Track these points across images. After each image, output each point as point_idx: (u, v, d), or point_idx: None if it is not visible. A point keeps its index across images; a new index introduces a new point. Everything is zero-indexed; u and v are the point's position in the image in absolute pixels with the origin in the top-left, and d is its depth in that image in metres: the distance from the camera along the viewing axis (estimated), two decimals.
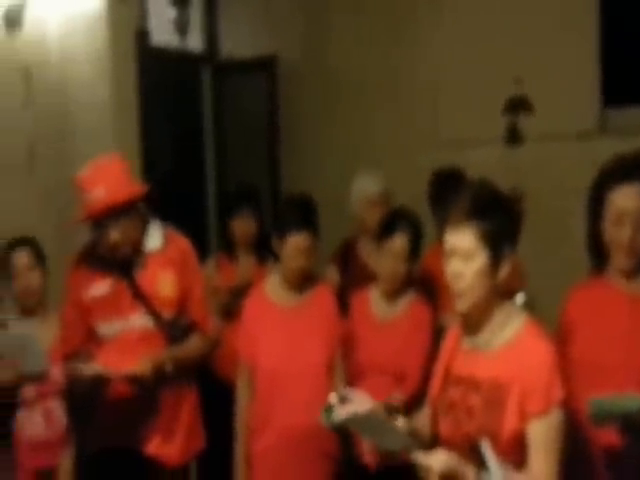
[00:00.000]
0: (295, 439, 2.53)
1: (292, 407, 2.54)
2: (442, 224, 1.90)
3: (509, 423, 1.73)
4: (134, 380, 2.37)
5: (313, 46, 4.68)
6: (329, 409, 1.83)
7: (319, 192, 3.56)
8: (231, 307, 3.23)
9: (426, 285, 3.00)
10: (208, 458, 2.81)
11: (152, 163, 3.98)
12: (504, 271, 1.79)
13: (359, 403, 1.83)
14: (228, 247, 3.59)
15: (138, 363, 2.35)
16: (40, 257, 2.91)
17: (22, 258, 2.86)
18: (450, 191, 2.01)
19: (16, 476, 2.77)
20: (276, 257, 2.66)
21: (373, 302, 2.82)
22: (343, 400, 1.82)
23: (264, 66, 4.71)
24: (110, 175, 2.45)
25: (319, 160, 4.60)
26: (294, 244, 2.55)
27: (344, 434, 2.46)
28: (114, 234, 2.42)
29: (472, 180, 2.58)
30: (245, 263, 3.53)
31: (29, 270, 2.85)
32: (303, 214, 2.59)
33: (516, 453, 1.73)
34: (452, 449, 1.74)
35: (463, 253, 1.78)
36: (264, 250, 3.33)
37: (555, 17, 3.87)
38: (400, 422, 1.86)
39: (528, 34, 3.91)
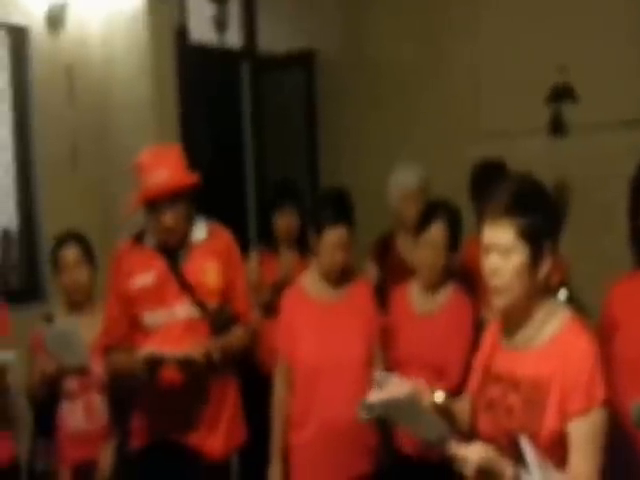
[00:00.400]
0: (334, 433, 2.53)
1: (331, 401, 2.53)
2: (482, 217, 1.86)
3: (549, 423, 1.68)
4: (186, 364, 2.37)
5: (351, 40, 4.65)
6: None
7: (359, 187, 3.56)
8: (273, 303, 3.24)
9: (466, 277, 2.95)
10: (248, 451, 2.83)
11: (192, 159, 4.00)
12: (545, 268, 1.74)
13: (397, 387, 1.80)
14: (270, 242, 3.60)
15: (191, 346, 2.36)
16: (88, 253, 2.94)
17: (70, 254, 2.90)
18: (492, 183, 1.96)
19: (57, 467, 2.82)
20: (313, 252, 2.65)
21: (412, 295, 2.79)
22: (381, 384, 1.79)
23: (303, 61, 4.70)
24: (171, 160, 2.51)
25: (359, 154, 4.58)
26: (330, 239, 2.54)
27: (383, 426, 2.45)
28: (169, 218, 2.45)
29: (513, 173, 2.55)
30: (287, 258, 3.53)
31: (77, 265, 2.88)
32: (339, 208, 2.58)
33: (557, 453, 1.69)
34: (491, 446, 1.70)
35: (502, 249, 1.73)
36: (306, 245, 3.33)
37: (600, 3, 3.78)
38: (439, 397, 1.84)
39: (572, 21, 3.82)
